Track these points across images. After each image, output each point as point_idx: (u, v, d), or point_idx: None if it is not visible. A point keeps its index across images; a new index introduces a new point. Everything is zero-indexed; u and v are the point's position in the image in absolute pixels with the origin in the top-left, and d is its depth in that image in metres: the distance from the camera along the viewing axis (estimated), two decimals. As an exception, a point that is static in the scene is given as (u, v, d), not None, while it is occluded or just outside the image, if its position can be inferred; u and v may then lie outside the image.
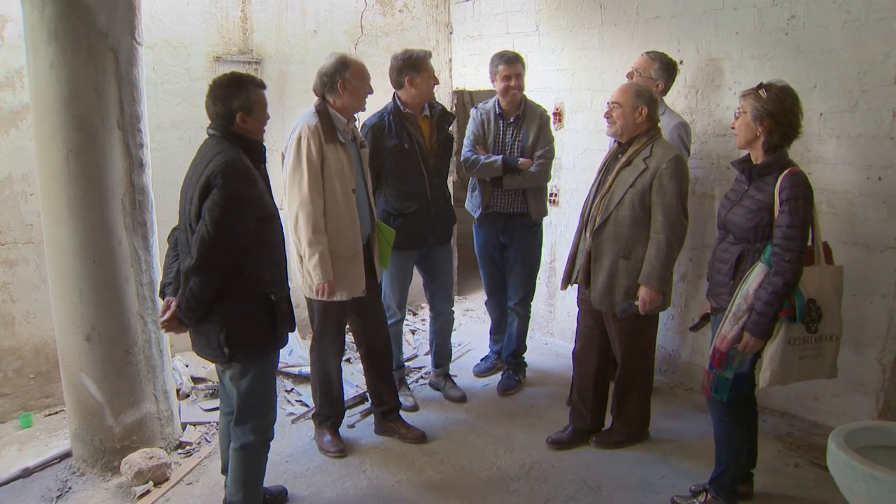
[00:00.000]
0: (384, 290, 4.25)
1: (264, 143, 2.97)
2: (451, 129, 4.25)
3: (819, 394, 3.92)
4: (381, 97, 5.17)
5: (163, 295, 2.95)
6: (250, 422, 2.97)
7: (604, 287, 3.56)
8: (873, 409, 3.70)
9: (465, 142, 4.47)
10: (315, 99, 3.60)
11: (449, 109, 5.97)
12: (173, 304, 2.83)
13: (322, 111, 3.51)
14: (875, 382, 3.69)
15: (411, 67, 3.95)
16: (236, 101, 2.79)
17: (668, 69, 4.05)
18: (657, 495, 3.45)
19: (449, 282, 4.43)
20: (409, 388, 4.51)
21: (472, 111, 4.53)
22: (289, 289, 3.05)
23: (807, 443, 3.84)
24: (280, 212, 3.02)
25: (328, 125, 3.47)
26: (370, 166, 3.90)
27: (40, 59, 3.22)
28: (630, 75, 4.11)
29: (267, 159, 2.99)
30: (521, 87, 4.32)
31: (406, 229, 4.02)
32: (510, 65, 4.27)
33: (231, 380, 2.95)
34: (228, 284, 2.76)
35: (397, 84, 4.02)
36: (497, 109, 4.40)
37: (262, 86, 2.90)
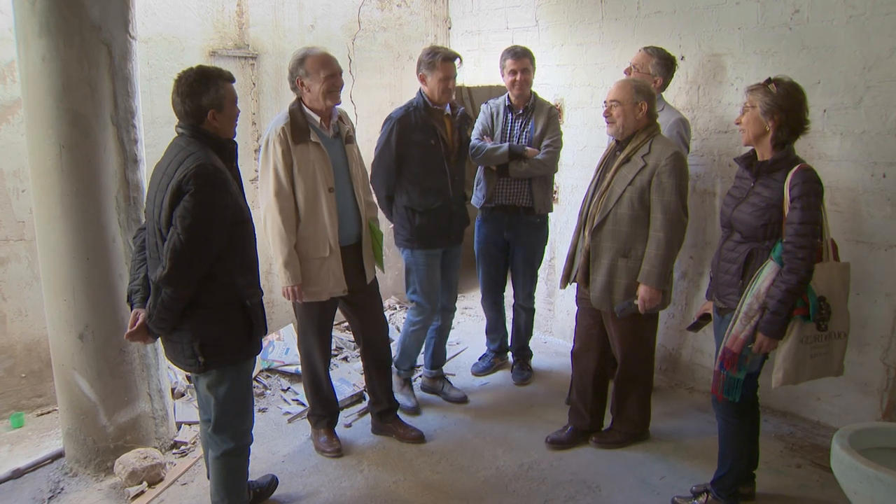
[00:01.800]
0: (416, 293, 4.19)
1: (236, 141, 2.87)
2: (469, 131, 4.24)
3: (821, 394, 3.88)
4: (378, 93, 5.12)
5: (129, 303, 2.84)
6: (230, 428, 2.92)
7: (603, 286, 3.52)
8: (877, 409, 3.66)
9: (474, 132, 4.51)
10: None
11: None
12: (141, 316, 2.73)
13: (294, 111, 3.47)
14: (879, 382, 3.65)
15: (425, 65, 3.93)
16: (206, 98, 2.67)
17: (666, 64, 4.01)
18: (657, 496, 3.41)
19: (456, 279, 4.40)
20: (412, 390, 4.45)
21: (483, 106, 4.58)
22: (262, 293, 2.98)
23: (809, 443, 3.81)
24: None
25: (298, 126, 3.42)
26: (395, 161, 3.91)
27: (31, 53, 3.17)
28: (628, 71, 4.08)
29: (238, 156, 2.91)
30: (527, 82, 4.34)
31: (432, 226, 4.02)
32: (517, 59, 4.30)
33: (207, 388, 2.86)
34: (201, 292, 2.67)
35: (417, 76, 4.02)
36: (507, 102, 4.45)
37: (232, 79, 2.79)
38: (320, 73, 3.40)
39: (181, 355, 2.77)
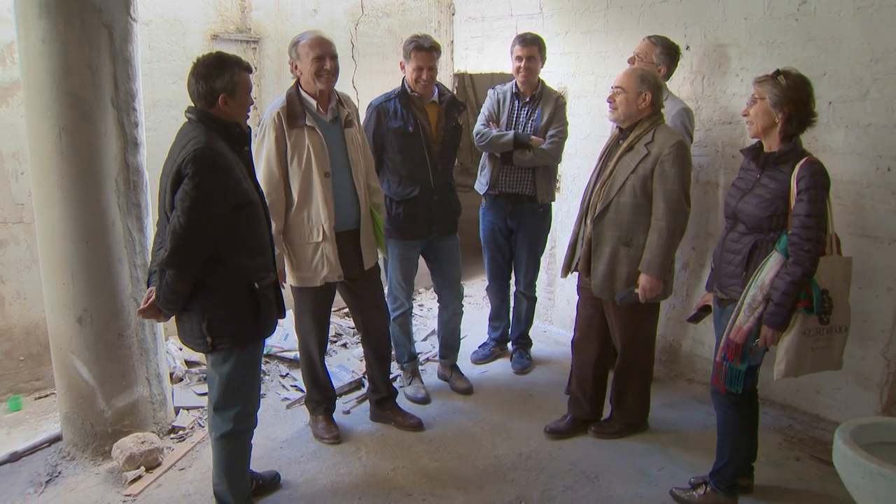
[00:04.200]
0: (389, 281, 4.20)
1: (248, 126, 2.88)
2: (460, 118, 4.17)
3: (821, 387, 3.88)
4: (381, 79, 5.09)
5: (148, 283, 2.88)
6: (231, 409, 2.92)
7: (604, 274, 3.51)
8: (877, 403, 3.66)
9: (480, 117, 4.48)
10: None
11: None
12: (153, 295, 2.77)
13: (291, 94, 3.46)
14: (879, 377, 3.65)
15: (404, 53, 3.91)
16: (220, 82, 2.69)
17: (670, 53, 3.98)
18: (656, 487, 3.42)
19: (456, 274, 4.35)
20: (422, 381, 4.43)
21: (490, 91, 4.55)
22: (276, 276, 2.99)
23: (808, 436, 3.81)
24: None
25: (293, 109, 3.41)
26: (374, 148, 3.88)
27: (31, 34, 3.13)
28: (631, 60, 4.05)
29: (251, 141, 2.93)
30: (532, 70, 4.31)
31: (409, 218, 3.99)
32: (525, 46, 4.27)
33: (213, 366, 2.90)
34: (209, 273, 2.70)
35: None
36: (514, 89, 4.42)
37: (249, 69, 2.80)
38: (309, 55, 3.39)
39: (190, 335, 2.81)
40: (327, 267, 3.52)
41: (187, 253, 2.61)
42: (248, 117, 2.89)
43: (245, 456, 3.08)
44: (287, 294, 3.68)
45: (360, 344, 4.02)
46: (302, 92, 3.48)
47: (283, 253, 3.51)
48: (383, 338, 3.95)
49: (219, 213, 2.65)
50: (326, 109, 3.51)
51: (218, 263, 2.70)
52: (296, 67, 3.45)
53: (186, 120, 2.77)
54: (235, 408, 2.93)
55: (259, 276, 2.85)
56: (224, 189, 2.65)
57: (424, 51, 3.84)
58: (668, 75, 4.03)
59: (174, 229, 2.57)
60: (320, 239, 3.48)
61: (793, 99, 2.76)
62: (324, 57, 3.39)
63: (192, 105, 2.76)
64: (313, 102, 3.47)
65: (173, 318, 2.88)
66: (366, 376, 4.12)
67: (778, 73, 2.82)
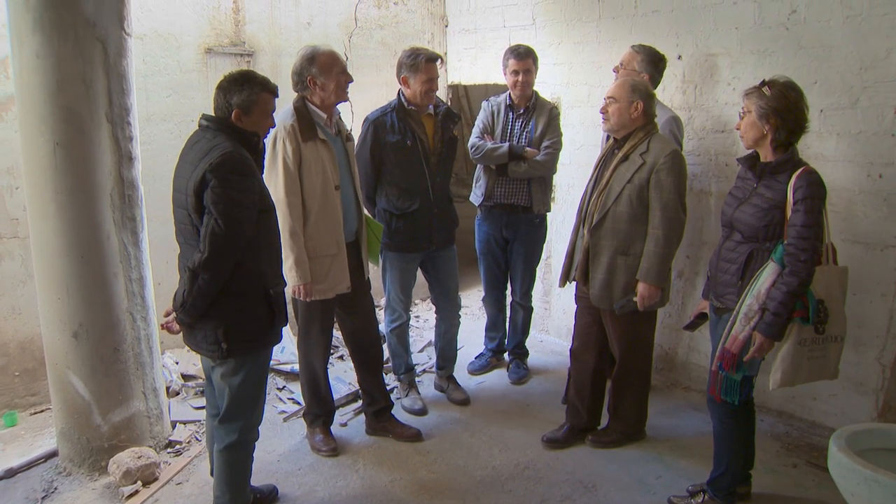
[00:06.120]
0: (387, 293, 4.21)
1: (263, 142, 2.93)
2: (455, 129, 4.17)
3: (817, 393, 3.88)
4: (375, 91, 5.11)
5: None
6: (237, 420, 2.92)
7: (602, 284, 3.52)
8: (872, 409, 3.66)
9: (474, 130, 4.50)
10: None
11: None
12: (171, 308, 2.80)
13: (299, 108, 3.45)
14: (874, 382, 3.65)
15: (407, 67, 3.87)
16: (236, 98, 2.75)
17: (653, 62, 3.99)
18: (654, 496, 3.41)
19: (454, 285, 4.36)
20: (419, 392, 4.42)
21: (484, 103, 4.56)
22: (284, 283, 3.02)
23: (805, 443, 3.81)
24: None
25: (306, 123, 3.41)
26: (371, 162, 3.89)
27: (25, 49, 3.15)
28: (616, 69, 4.08)
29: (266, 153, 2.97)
30: (529, 83, 4.33)
31: (409, 230, 3.99)
32: (520, 60, 4.28)
33: (223, 377, 2.88)
34: (229, 279, 2.72)
35: (398, 79, 3.96)
36: (508, 101, 4.43)
37: (273, 92, 2.84)
38: (333, 70, 3.42)
39: (203, 342, 2.81)
40: (341, 278, 3.54)
41: (224, 255, 2.65)
42: (268, 134, 2.94)
43: (247, 468, 3.08)
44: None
45: (351, 357, 4.00)
46: (310, 105, 3.47)
47: (307, 265, 3.44)
48: (376, 348, 3.96)
49: (251, 214, 2.70)
50: (331, 123, 3.54)
51: (238, 268, 2.73)
52: (314, 83, 3.42)
53: (199, 127, 2.82)
54: (242, 419, 2.94)
55: (274, 281, 2.89)
56: (252, 191, 2.71)
57: (434, 62, 3.87)
58: (654, 83, 4.03)
59: (212, 231, 2.61)
60: (336, 251, 3.50)
61: (777, 109, 2.77)
62: (346, 71, 3.47)
63: (213, 114, 2.82)
64: (323, 116, 3.49)
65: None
66: (361, 390, 4.10)
67: (763, 83, 2.84)
